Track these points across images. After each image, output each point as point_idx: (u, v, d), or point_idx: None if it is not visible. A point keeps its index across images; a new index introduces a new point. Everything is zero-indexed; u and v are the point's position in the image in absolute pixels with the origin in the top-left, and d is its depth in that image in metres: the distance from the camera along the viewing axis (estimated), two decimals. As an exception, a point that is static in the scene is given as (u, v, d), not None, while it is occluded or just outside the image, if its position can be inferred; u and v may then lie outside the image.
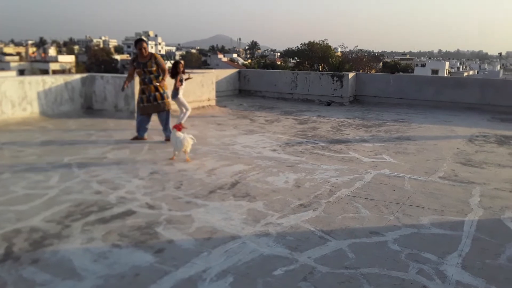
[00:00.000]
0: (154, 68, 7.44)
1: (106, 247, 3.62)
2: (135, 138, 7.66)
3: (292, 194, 5.05)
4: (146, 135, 7.77)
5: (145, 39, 8.08)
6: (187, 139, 6.27)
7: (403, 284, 3.14)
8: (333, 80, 14.36)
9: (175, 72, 8.50)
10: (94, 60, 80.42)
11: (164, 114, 7.66)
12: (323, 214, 4.45)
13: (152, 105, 7.56)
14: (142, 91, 7.53)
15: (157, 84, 7.48)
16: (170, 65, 9.11)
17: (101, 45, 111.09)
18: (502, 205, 4.86)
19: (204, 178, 5.58)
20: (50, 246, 3.62)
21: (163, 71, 7.58)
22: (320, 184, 5.46)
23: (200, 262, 3.40)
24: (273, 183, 5.47)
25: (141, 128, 7.69)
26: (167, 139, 7.48)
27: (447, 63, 76.41)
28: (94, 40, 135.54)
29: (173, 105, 8.14)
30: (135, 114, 7.93)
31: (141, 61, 7.44)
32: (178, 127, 6.43)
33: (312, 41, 61.39)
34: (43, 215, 4.26)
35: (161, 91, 7.57)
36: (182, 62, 8.99)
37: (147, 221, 4.16)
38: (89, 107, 10.48)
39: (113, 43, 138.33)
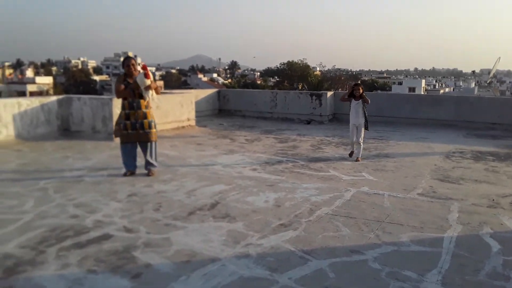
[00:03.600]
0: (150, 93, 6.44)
1: (81, 273, 3.52)
2: (128, 174, 6.62)
3: (272, 214, 5.02)
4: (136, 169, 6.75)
5: (133, 56, 7.21)
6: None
7: (384, 303, 3.13)
8: (312, 99, 14.50)
9: (352, 95, 8.17)
10: (73, 81, 79.80)
11: (148, 144, 6.58)
12: (304, 234, 4.43)
13: (138, 133, 6.46)
14: (126, 116, 6.41)
15: (146, 110, 6.46)
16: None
17: (80, 66, 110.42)
18: (480, 220, 4.91)
19: (183, 199, 5.51)
20: (23, 273, 3.50)
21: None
22: (301, 203, 5.44)
23: (179, 286, 3.33)
24: (253, 203, 5.43)
25: (129, 160, 6.65)
26: (149, 173, 6.63)
27: (423, 81, 78.07)
28: (73, 61, 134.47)
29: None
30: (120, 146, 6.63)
31: (131, 81, 6.40)
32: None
33: (291, 60, 62.07)
34: (17, 241, 4.13)
35: (149, 118, 6.50)
36: (361, 84, 8.45)
37: (125, 245, 4.07)
38: (66, 129, 10.34)
39: (91, 64, 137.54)
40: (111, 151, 8.51)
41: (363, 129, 8.13)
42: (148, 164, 6.69)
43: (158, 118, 6.73)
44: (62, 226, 4.52)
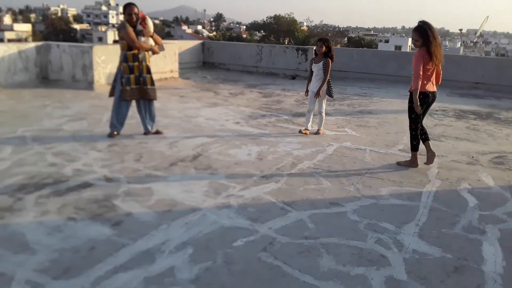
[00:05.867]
0: (151, 42, 5.89)
1: (60, 220, 3.49)
2: (112, 135, 5.91)
3: (254, 167, 5.01)
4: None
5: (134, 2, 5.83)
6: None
7: (361, 253, 3.19)
8: (298, 53, 14.29)
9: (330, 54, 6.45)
10: (52, 29, 77.25)
11: (149, 103, 6.08)
12: (285, 186, 4.45)
13: (141, 88, 5.88)
14: (129, 69, 5.75)
15: (149, 64, 5.94)
16: None
17: (59, 14, 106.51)
18: (458, 176, 4.99)
19: (165, 151, 5.46)
20: (1, 220, 3.46)
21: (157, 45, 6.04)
22: (283, 156, 5.45)
23: (159, 234, 3.33)
24: (235, 155, 5.41)
25: (121, 120, 5.95)
26: (148, 132, 6.12)
27: (409, 40, 77.58)
28: (52, 9, 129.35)
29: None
30: (114, 101, 5.88)
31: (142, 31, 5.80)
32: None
33: (278, 14, 60.97)
34: (-6, 188, 4.07)
35: (152, 74, 5.99)
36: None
37: (105, 194, 4.04)
38: (44, 77, 10.04)
39: (72, 11, 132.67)
40: (91, 100, 8.34)
41: (324, 98, 6.68)
42: (149, 123, 6.12)
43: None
44: (40, 174, 4.45)
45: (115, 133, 5.95)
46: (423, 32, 4.95)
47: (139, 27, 5.79)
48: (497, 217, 3.95)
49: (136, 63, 5.79)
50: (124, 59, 5.75)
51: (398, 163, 5.32)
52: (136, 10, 5.75)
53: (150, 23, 5.91)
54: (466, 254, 3.26)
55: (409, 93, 5.20)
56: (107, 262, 2.92)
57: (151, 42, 5.91)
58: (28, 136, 5.76)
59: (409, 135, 5.30)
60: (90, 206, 3.77)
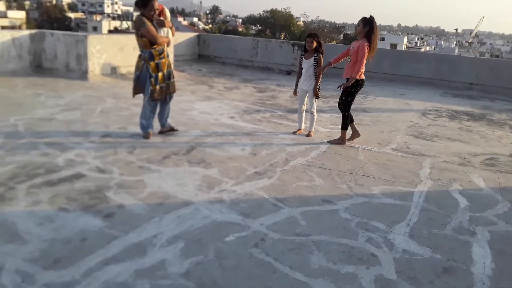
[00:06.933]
0: (169, 34, 5.62)
1: (52, 211, 3.48)
2: (148, 136, 5.61)
3: (248, 162, 5.02)
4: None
5: None
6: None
7: (352, 252, 3.21)
8: (293, 49, 14.28)
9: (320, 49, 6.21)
10: (46, 17, 76.37)
11: (170, 97, 5.82)
12: (278, 182, 4.45)
13: (169, 83, 5.62)
14: (157, 67, 5.42)
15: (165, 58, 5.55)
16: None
17: (54, 2, 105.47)
18: (450, 177, 5.03)
19: (158, 143, 5.45)
20: (-9, 209, 3.44)
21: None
22: (276, 152, 5.45)
23: (151, 227, 3.33)
24: (229, 150, 5.41)
25: (152, 119, 5.70)
26: (165, 129, 5.88)
27: (405, 38, 77.85)
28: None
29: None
30: (144, 102, 5.59)
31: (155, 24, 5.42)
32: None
33: (274, 9, 60.82)
34: (-15, 176, 4.04)
35: (172, 67, 5.75)
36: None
37: (97, 185, 4.02)
38: (38, 66, 9.95)
39: (66, 0, 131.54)
40: (85, 90, 8.29)
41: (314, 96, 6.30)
42: (166, 119, 5.91)
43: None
44: (32, 164, 4.42)
45: (150, 132, 5.65)
46: (370, 23, 5.71)
47: (157, 19, 5.45)
48: (487, 219, 3.98)
49: (163, 60, 5.49)
50: (150, 57, 5.38)
51: (329, 142, 6.07)
52: (157, 4, 5.32)
53: (168, 14, 5.69)
54: (456, 255, 3.29)
55: (346, 79, 6.14)
56: (98, 253, 2.92)
57: (169, 34, 5.66)
58: (21, 125, 5.72)
59: (342, 116, 6.08)
60: (82, 197, 3.76)
